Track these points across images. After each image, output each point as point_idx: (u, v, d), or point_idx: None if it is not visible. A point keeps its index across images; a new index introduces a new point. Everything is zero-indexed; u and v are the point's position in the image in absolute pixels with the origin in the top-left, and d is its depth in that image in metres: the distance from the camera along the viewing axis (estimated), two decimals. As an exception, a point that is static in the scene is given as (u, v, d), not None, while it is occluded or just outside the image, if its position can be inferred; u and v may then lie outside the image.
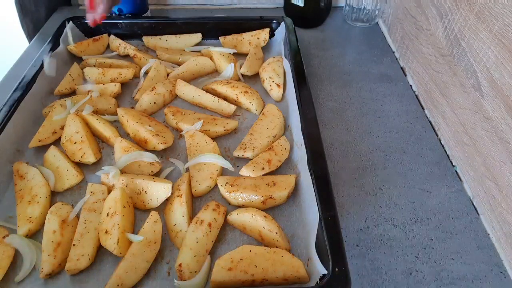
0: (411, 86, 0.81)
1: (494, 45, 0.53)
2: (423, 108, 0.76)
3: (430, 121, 0.73)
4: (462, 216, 0.58)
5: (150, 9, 0.94)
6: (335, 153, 0.66)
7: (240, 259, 0.47)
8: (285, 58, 0.76)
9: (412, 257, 0.53)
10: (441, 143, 0.69)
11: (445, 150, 0.68)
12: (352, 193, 0.61)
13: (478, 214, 0.59)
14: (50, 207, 0.53)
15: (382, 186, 0.62)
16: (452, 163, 0.66)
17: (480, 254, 0.54)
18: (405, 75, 0.84)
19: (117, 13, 0.88)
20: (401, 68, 0.86)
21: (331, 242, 0.46)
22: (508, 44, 0.50)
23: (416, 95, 0.79)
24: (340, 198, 0.60)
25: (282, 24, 0.83)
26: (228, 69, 0.75)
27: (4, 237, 0.50)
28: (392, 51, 0.91)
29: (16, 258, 0.50)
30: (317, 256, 0.46)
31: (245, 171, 0.58)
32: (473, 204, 0.60)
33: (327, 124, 0.72)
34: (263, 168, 0.58)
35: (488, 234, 0.56)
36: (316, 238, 0.48)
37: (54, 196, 0.57)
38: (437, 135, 0.70)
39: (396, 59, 0.88)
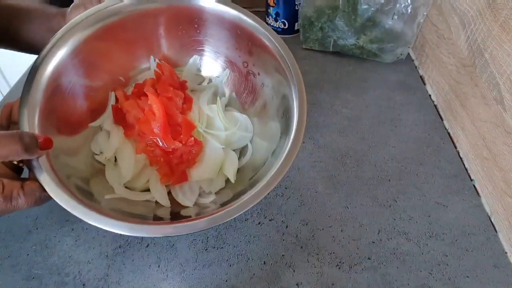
0: (430, 95, 0.79)
1: (519, 58, 0.51)
2: (442, 119, 0.74)
3: (448, 133, 0.71)
4: (479, 233, 0.56)
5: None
6: (349, 161, 0.65)
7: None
8: None
9: (426, 273, 0.52)
10: (459, 156, 0.67)
11: (463, 163, 0.66)
12: (366, 203, 0.59)
13: (496, 231, 0.57)
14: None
15: (396, 198, 0.60)
16: (470, 177, 0.64)
17: (497, 273, 0.52)
18: (424, 84, 0.82)
19: None
20: (420, 76, 0.84)
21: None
22: (534, 57, 0.49)
23: (435, 105, 0.77)
24: (353, 209, 0.58)
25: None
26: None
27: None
28: (412, 59, 0.89)
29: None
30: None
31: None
32: (491, 220, 0.58)
33: (342, 132, 0.70)
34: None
35: (506, 252, 0.54)
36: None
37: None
38: (455, 147, 0.68)
39: (415, 67, 0.86)
